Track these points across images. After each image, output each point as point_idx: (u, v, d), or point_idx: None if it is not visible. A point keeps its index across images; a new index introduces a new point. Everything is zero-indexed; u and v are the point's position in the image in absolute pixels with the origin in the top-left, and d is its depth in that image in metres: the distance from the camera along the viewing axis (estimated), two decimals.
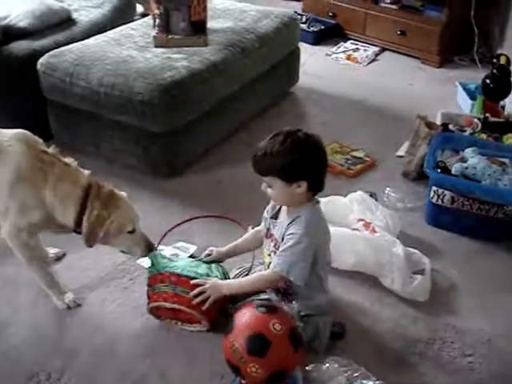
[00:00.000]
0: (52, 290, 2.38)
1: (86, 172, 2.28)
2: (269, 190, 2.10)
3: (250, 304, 2.04)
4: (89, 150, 3.29)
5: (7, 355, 2.21)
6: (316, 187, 2.10)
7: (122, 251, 2.34)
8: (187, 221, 2.54)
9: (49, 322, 2.35)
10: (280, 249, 2.11)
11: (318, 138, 2.09)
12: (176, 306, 2.21)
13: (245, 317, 1.94)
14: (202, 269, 2.28)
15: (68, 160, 2.28)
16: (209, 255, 2.39)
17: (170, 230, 2.47)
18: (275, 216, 2.22)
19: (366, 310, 2.42)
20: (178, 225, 2.50)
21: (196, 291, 2.17)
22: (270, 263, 2.21)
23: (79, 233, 2.21)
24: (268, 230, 2.25)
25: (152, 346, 2.25)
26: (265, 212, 2.28)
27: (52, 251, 2.62)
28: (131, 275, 2.56)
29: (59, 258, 2.63)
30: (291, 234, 2.07)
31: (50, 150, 2.27)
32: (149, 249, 2.30)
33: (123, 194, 2.31)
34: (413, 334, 2.32)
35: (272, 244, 2.21)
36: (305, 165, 2.02)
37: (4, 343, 2.26)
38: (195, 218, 2.56)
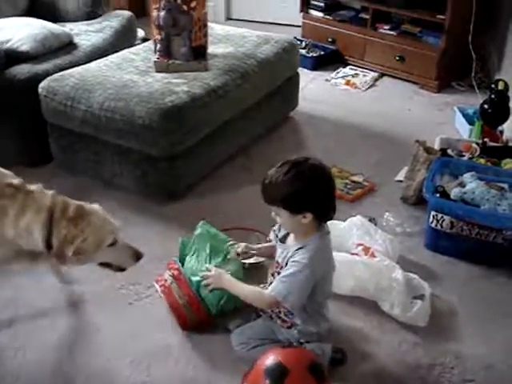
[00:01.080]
0: None
1: (50, 193, 2.17)
2: (277, 218, 2.10)
3: (300, 361, 2.00)
4: (88, 173, 3.30)
5: (5, 379, 2.19)
6: (323, 217, 2.10)
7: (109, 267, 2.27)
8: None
9: (48, 345, 2.33)
10: (282, 273, 2.10)
11: (325, 169, 2.08)
12: (164, 296, 2.34)
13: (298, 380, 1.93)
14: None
15: (33, 186, 2.17)
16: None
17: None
18: (284, 239, 2.22)
19: (365, 335, 2.41)
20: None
21: (201, 274, 2.28)
22: (271, 283, 2.22)
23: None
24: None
25: (151, 369, 2.24)
26: (276, 226, 2.26)
27: None
28: (133, 297, 2.55)
29: None
30: (295, 261, 2.07)
31: (15, 181, 2.16)
32: (136, 257, 2.26)
33: (95, 206, 2.23)
34: (413, 359, 2.31)
35: (275, 265, 2.22)
36: (308, 197, 2.02)
37: (2, 367, 2.24)
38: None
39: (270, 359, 1.95)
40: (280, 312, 2.22)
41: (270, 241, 2.47)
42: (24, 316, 2.45)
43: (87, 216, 2.14)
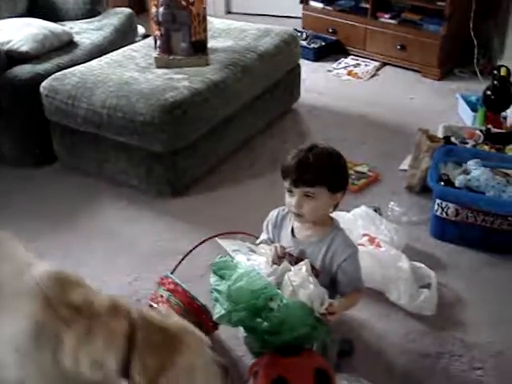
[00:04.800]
0: None
1: (125, 310, 1.62)
2: (305, 206, 1.97)
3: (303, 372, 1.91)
4: (92, 171, 3.31)
5: None
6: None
7: None
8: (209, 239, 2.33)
9: None
10: (346, 262, 2.03)
11: None
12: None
13: None
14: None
15: (103, 309, 1.59)
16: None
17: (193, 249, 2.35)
18: (292, 233, 2.12)
19: (373, 325, 2.41)
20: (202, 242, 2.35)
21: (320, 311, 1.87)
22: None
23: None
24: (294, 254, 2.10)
25: None
26: (269, 227, 2.17)
27: None
28: (137, 296, 2.56)
29: None
30: (346, 247, 2.06)
31: (77, 297, 1.57)
32: (225, 372, 1.76)
33: (185, 323, 1.72)
34: (421, 348, 2.31)
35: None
36: (345, 174, 2.07)
37: None
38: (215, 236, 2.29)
39: (271, 372, 1.87)
40: None
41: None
42: None
43: (176, 337, 1.64)
